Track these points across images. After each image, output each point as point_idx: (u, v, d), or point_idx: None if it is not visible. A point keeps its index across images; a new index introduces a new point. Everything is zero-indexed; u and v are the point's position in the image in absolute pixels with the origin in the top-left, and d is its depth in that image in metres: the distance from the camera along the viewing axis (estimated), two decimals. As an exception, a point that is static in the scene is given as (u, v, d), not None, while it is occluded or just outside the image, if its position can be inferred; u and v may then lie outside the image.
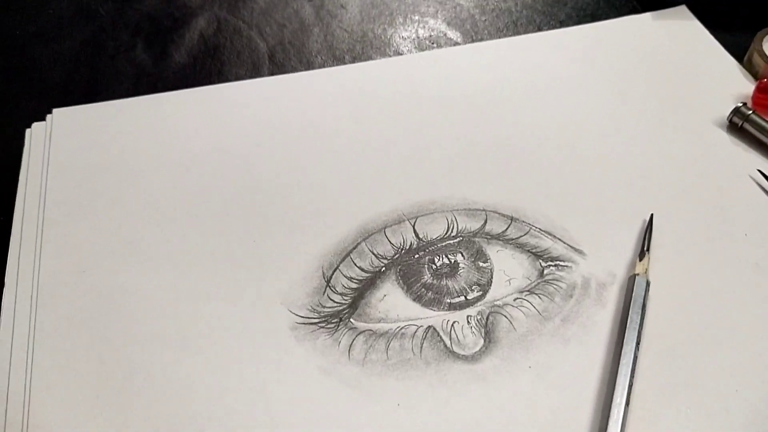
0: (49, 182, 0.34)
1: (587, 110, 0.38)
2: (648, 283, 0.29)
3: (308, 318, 0.29)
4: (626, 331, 0.28)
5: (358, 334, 0.28)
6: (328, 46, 0.42)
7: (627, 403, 0.26)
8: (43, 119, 0.37)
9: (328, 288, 0.30)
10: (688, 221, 0.33)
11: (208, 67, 0.41)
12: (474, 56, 0.41)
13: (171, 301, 0.29)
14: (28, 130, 0.37)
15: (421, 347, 0.28)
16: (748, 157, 0.36)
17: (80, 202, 0.33)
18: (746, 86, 0.40)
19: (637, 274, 0.30)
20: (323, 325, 0.29)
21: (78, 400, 0.26)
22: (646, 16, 0.44)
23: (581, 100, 0.39)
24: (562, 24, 0.45)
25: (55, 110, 0.37)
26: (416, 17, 0.45)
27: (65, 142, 0.36)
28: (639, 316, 0.28)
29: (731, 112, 0.37)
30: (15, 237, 0.32)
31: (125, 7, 0.44)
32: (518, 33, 0.44)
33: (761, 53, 0.40)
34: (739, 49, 0.42)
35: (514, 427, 0.26)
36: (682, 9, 0.45)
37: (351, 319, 0.29)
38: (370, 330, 0.29)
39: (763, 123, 0.36)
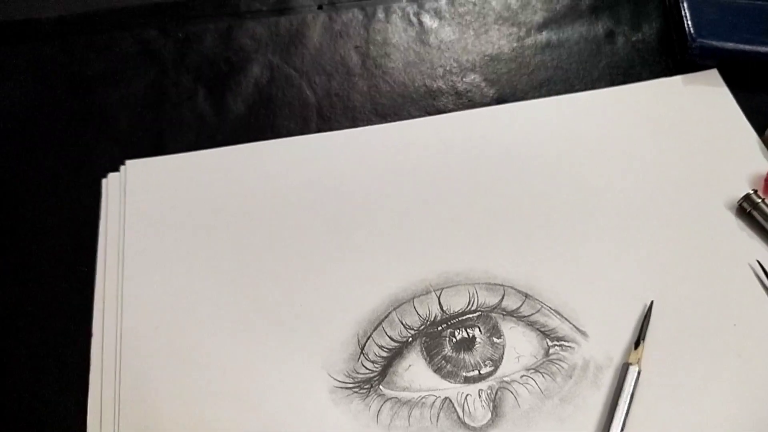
0: (126, 235, 0.39)
1: (607, 182, 0.42)
2: (639, 372, 0.34)
3: (344, 383, 0.34)
4: (614, 417, 0.33)
5: (386, 401, 0.34)
6: (371, 99, 0.46)
7: (606, 484, 0.31)
8: (116, 167, 0.42)
9: (362, 355, 0.35)
10: (686, 308, 0.37)
11: (262, 118, 0.45)
12: (504, 117, 0.44)
13: (229, 360, 0.35)
14: (104, 180, 0.42)
15: (438, 417, 0.33)
16: (752, 245, 0.39)
17: (153, 256, 0.39)
18: (764, 165, 0.42)
19: (630, 364, 0.34)
20: (357, 390, 0.34)
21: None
22: (677, 80, 0.46)
23: (602, 170, 0.42)
24: (595, 82, 0.47)
25: (128, 162, 0.42)
26: (456, 68, 0.47)
27: (138, 194, 0.41)
28: (627, 404, 0.33)
29: (742, 198, 0.40)
30: (99, 288, 0.38)
31: (185, 48, 0.48)
32: (551, 91, 0.46)
33: (781, 133, 0.42)
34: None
35: (510, 494, 0.31)
36: (713, 74, 0.47)
37: (380, 386, 0.34)
38: (396, 398, 0.34)
39: (770, 213, 0.39)
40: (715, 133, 0.44)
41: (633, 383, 0.33)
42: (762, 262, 0.38)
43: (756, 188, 0.41)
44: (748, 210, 0.40)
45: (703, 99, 0.46)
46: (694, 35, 0.46)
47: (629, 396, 0.33)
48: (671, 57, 0.48)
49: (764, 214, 0.39)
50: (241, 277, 0.38)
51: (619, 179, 0.42)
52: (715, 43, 0.46)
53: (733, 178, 0.42)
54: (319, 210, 0.40)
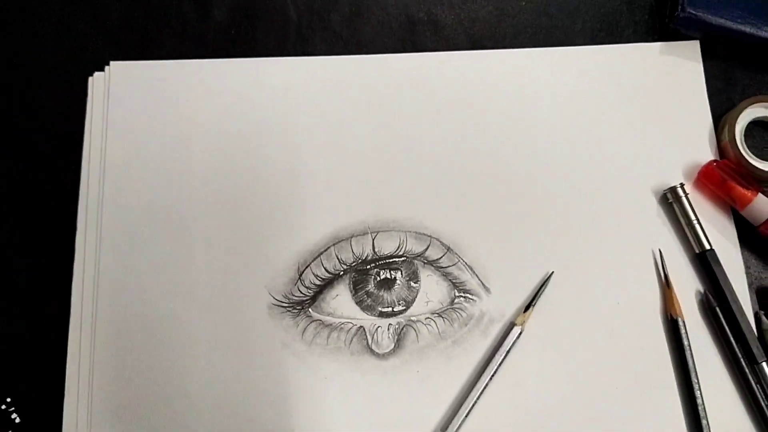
0: (109, 136, 0.44)
1: (549, 148, 0.44)
2: (521, 332, 0.41)
3: (281, 302, 0.42)
4: (489, 364, 0.41)
5: (312, 322, 0.42)
6: (350, 25, 0.46)
7: (467, 414, 0.40)
8: (104, 64, 0.45)
9: (299, 281, 0.42)
10: (581, 281, 0.42)
11: (243, 31, 0.46)
12: (467, 65, 0.46)
13: (191, 267, 0.42)
14: (90, 79, 0.45)
15: (351, 341, 0.41)
16: (663, 234, 0.43)
17: (133, 159, 0.44)
18: (707, 156, 0.44)
19: (515, 324, 0.41)
20: (290, 309, 0.42)
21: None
22: (654, 47, 0.46)
23: (549, 134, 0.45)
24: (578, 34, 0.47)
25: (112, 63, 0.45)
26: (438, 4, 0.47)
27: (121, 97, 0.45)
28: (502, 356, 0.41)
29: (668, 189, 0.43)
30: (83, 185, 0.43)
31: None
32: (531, 39, 0.46)
33: (731, 128, 0.44)
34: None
35: (400, 411, 0.40)
36: (694, 46, 0.46)
37: (310, 309, 0.42)
38: (321, 320, 0.42)
39: (689, 210, 0.43)
40: (673, 112, 0.45)
41: (513, 341, 0.41)
42: (663, 253, 0.43)
43: (689, 179, 0.44)
44: (669, 201, 0.43)
45: (673, 72, 0.46)
46: (685, 4, 0.45)
47: (506, 350, 0.41)
48: (660, 19, 0.47)
49: (683, 209, 0.43)
50: (208, 195, 0.43)
51: (561, 146, 0.44)
52: (702, 15, 0.45)
53: (671, 164, 0.44)
54: (281, 137, 0.44)
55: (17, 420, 0.41)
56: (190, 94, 0.45)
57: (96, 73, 0.45)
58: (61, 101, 0.45)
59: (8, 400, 0.41)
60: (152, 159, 0.44)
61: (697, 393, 0.40)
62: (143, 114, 0.45)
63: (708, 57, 0.46)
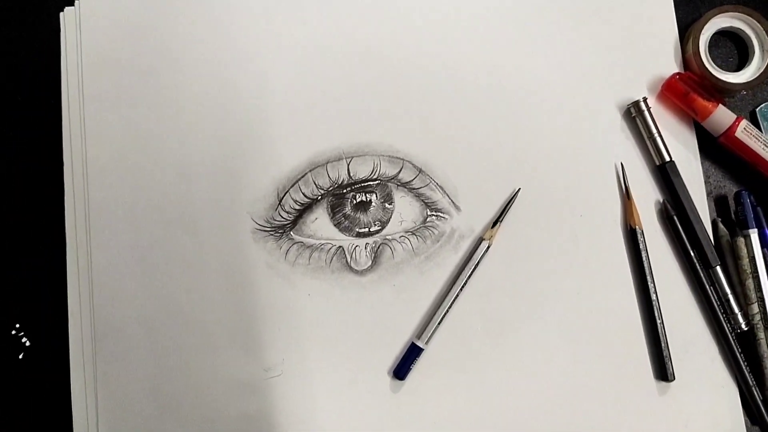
0: (84, 72, 0.45)
1: (513, 66, 0.45)
2: (488, 247, 0.44)
3: (263, 227, 0.44)
4: (458, 277, 0.43)
5: (294, 244, 0.44)
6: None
7: (440, 323, 0.43)
8: (72, 2, 0.46)
9: (279, 206, 0.44)
10: (547, 197, 0.45)
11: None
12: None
13: (171, 196, 0.44)
14: (61, 14, 0.45)
15: (331, 260, 0.44)
16: (625, 147, 0.45)
17: (110, 93, 0.45)
18: (672, 68, 0.45)
19: (483, 239, 0.44)
20: (272, 233, 0.44)
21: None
22: (624, -40, 0.46)
23: (512, 52, 0.45)
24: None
25: (81, -2, 0.45)
26: None
27: (93, 31, 0.45)
28: (471, 270, 0.43)
29: (631, 103, 0.44)
30: (65, 120, 0.45)
31: None
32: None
33: (695, 39, 0.44)
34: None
35: (379, 321, 0.44)
36: (663, -44, 0.46)
37: (291, 232, 0.44)
38: (302, 242, 0.44)
39: (651, 124, 0.44)
40: (638, 24, 0.46)
41: (481, 254, 0.43)
42: (625, 165, 0.45)
43: (653, 92, 0.45)
44: (633, 115, 0.45)
45: (642, -15, 0.46)
46: None
47: (475, 264, 0.43)
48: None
49: (645, 123, 0.44)
50: (187, 125, 0.45)
51: (524, 63, 0.45)
52: (672, -75, 0.44)
53: (636, 77, 0.45)
54: (256, 66, 0.45)
55: (27, 344, 0.44)
56: (162, 24, 0.45)
57: (66, 8, 0.46)
58: (33, 39, 0.46)
59: (17, 325, 0.44)
60: (129, 90, 0.45)
61: (653, 296, 0.43)
62: (116, 47, 0.45)
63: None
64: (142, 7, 0.46)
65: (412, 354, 0.43)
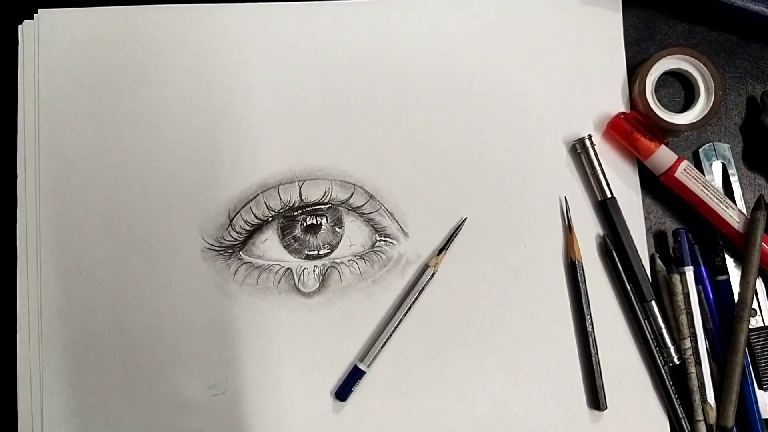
0: (41, 86, 0.45)
1: (464, 94, 0.46)
2: (433, 274, 0.45)
3: (213, 246, 0.45)
4: (404, 302, 0.45)
5: (242, 264, 0.45)
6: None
7: (383, 346, 0.44)
8: (31, 16, 0.46)
9: (230, 226, 0.45)
10: (493, 227, 0.46)
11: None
12: (389, 11, 0.47)
13: (125, 212, 0.45)
14: (20, 27, 0.46)
15: (279, 282, 0.45)
16: (569, 181, 0.46)
17: (65, 108, 0.45)
18: (618, 107, 0.47)
19: (429, 266, 0.45)
20: (222, 253, 0.45)
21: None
22: (577, -3, 0.47)
23: (464, 80, 0.46)
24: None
25: (40, 11, 0.46)
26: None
27: (51, 47, 0.46)
28: (416, 295, 0.44)
29: (576, 140, 0.46)
30: (20, 135, 0.45)
31: None
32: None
33: (642, 79, 0.46)
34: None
35: (324, 343, 0.45)
36: (615, -2, 0.47)
37: (241, 252, 0.45)
38: (251, 263, 0.45)
39: (595, 160, 0.45)
40: (589, 62, 0.47)
41: (426, 281, 0.45)
42: (568, 200, 0.46)
43: (599, 130, 0.46)
44: (578, 151, 0.46)
45: (591, 21, 0.47)
46: (606, -45, 0.45)
47: (420, 290, 0.44)
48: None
49: (589, 160, 0.46)
50: (141, 142, 0.45)
51: (477, 95, 0.46)
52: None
53: (584, 114, 0.47)
54: (210, 86, 0.46)
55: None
56: (121, 42, 0.46)
57: (25, 21, 0.46)
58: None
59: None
60: (85, 107, 0.45)
61: (589, 328, 0.44)
62: (74, 63, 0.46)
63: (628, 5, 0.48)
64: (101, 24, 0.46)
65: (354, 376, 0.44)
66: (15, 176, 0.45)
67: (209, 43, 0.46)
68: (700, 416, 0.44)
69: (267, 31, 0.46)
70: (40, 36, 0.46)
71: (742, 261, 0.44)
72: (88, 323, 0.44)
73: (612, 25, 0.47)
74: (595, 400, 0.44)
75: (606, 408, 0.44)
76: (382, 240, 0.46)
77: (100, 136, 0.45)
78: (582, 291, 0.45)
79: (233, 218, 0.45)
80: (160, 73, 0.46)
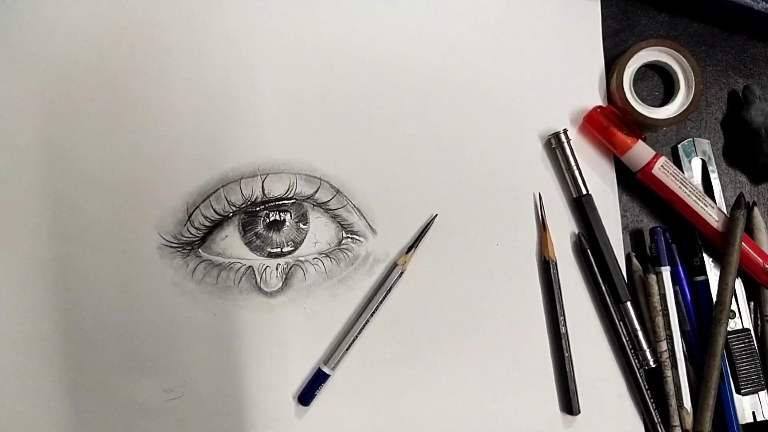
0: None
1: (437, 87, 0.44)
2: (402, 273, 0.43)
3: (170, 242, 0.43)
4: (369, 303, 0.43)
5: (201, 262, 0.43)
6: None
7: (348, 347, 0.42)
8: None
9: (188, 222, 0.43)
10: (464, 224, 0.44)
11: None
12: (362, 2, 0.44)
13: (71, 205, 0.43)
14: (-32, 10, 0.43)
15: (240, 280, 0.43)
16: (544, 177, 0.45)
17: (13, 97, 0.43)
18: (595, 100, 0.45)
19: (397, 264, 0.43)
20: (180, 249, 0.43)
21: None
22: (553, -15, 0.45)
23: (434, 73, 0.44)
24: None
25: (-12, -6, 0.43)
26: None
27: (4, 30, 0.43)
28: (383, 295, 0.43)
29: (551, 135, 0.44)
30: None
31: None
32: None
33: (619, 72, 0.44)
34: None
35: (287, 345, 0.43)
36: (592, -14, 0.45)
37: (199, 250, 0.43)
38: (210, 260, 0.43)
39: (570, 156, 0.44)
40: (565, 54, 0.45)
41: (394, 280, 0.43)
42: (543, 196, 0.44)
43: (575, 124, 0.45)
44: (553, 146, 0.44)
45: (568, 12, 0.45)
46: (583, -58, 0.43)
47: (387, 289, 0.43)
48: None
49: (564, 155, 0.44)
50: (94, 133, 0.43)
51: (449, 88, 0.44)
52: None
53: (560, 109, 0.45)
54: (169, 75, 0.44)
55: None
56: (76, 28, 0.43)
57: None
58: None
59: None
60: (39, 96, 0.43)
61: (563, 329, 0.43)
62: (28, 49, 0.43)
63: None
64: (56, 8, 0.43)
65: (317, 380, 0.42)
66: (-40, 168, 0.43)
67: (168, 30, 0.44)
68: (676, 421, 0.43)
69: (236, 21, 0.44)
70: (-13, 19, 0.43)
71: (721, 261, 0.43)
72: (37, 323, 0.42)
73: (589, 15, 0.46)
74: (568, 404, 0.43)
75: (579, 412, 0.43)
76: (348, 237, 0.44)
77: (52, 127, 0.43)
78: (556, 291, 0.43)
79: (192, 213, 0.43)
80: (115, 61, 0.43)
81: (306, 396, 0.42)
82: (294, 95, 0.44)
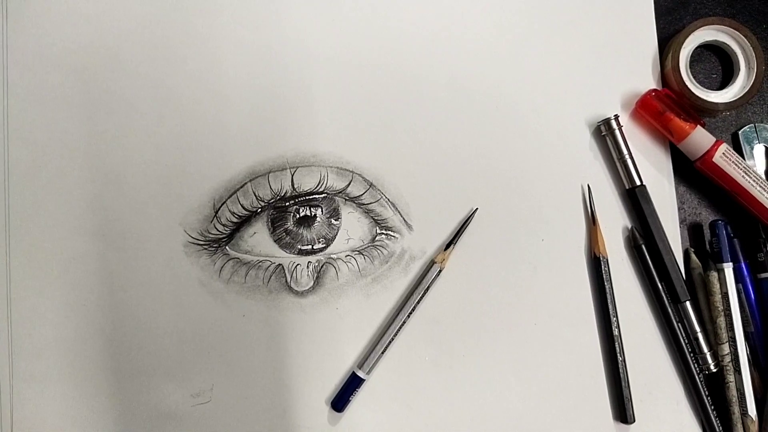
0: (10, 62, 0.41)
1: (477, 75, 0.42)
2: (440, 271, 0.40)
3: (197, 240, 0.41)
4: (407, 301, 0.40)
5: (229, 260, 0.41)
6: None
7: (384, 351, 0.40)
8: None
9: (215, 218, 0.41)
10: (506, 219, 0.41)
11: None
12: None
13: (95, 201, 0.41)
14: (-13, 0, 0.42)
15: (270, 279, 0.41)
16: (593, 168, 0.41)
17: (36, 90, 0.41)
18: (649, 84, 0.42)
19: (435, 262, 0.40)
20: (206, 247, 0.41)
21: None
22: (602, -37, 0.42)
23: (479, 60, 0.42)
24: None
25: (7, -17, 0.41)
26: None
27: (20, 18, 0.41)
28: (420, 295, 0.40)
29: (601, 120, 0.41)
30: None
31: None
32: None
33: (675, 53, 0.41)
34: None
35: (318, 347, 0.40)
36: (644, -39, 0.42)
37: (227, 247, 0.41)
38: (238, 258, 0.41)
39: (622, 144, 0.40)
40: (616, 35, 0.42)
41: (432, 279, 0.40)
42: (592, 188, 0.41)
43: (627, 110, 0.42)
44: (603, 133, 0.41)
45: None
46: None
47: (425, 288, 0.40)
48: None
49: (616, 143, 0.41)
50: (117, 126, 0.41)
51: (488, 73, 0.42)
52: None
53: (610, 93, 0.42)
54: (197, 66, 0.41)
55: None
56: (97, 20, 0.42)
57: (-8, -6, 0.42)
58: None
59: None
60: (58, 90, 0.41)
61: (615, 331, 0.40)
62: (46, 41, 0.41)
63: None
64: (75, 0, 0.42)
65: (352, 384, 0.40)
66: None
67: (195, 21, 0.42)
68: (739, 430, 0.39)
69: (261, 10, 0.42)
70: (8, 12, 0.41)
71: (789, 257, 0.39)
72: (60, 326, 0.40)
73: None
74: (623, 412, 0.40)
75: (634, 421, 0.40)
76: (383, 233, 0.41)
77: (74, 121, 0.41)
78: (607, 290, 0.40)
79: (219, 209, 0.41)
80: (137, 51, 0.41)
81: (340, 402, 0.40)
82: (325, 85, 0.41)
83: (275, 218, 0.41)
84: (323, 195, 0.41)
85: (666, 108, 0.40)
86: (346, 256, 0.41)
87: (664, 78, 0.42)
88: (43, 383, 0.40)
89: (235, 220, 0.41)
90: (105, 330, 0.40)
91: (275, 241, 0.41)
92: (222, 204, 0.41)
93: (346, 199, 0.41)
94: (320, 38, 0.42)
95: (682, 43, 0.41)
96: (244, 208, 0.41)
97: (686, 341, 0.40)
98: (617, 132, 0.40)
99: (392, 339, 0.40)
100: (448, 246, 0.40)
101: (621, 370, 0.40)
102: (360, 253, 0.41)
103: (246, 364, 0.40)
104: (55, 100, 0.41)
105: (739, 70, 0.41)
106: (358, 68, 0.41)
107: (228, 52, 0.41)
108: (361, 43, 0.42)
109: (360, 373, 0.39)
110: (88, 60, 0.41)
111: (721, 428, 0.39)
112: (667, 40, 0.42)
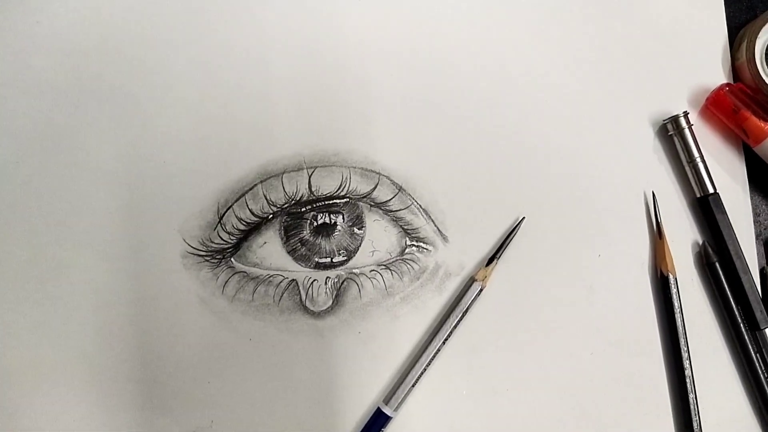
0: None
1: (525, 70, 0.37)
2: (481, 290, 0.34)
3: (197, 250, 0.35)
4: (442, 327, 0.34)
5: (234, 274, 0.35)
6: None
7: (415, 383, 0.34)
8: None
9: (219, 225, 0.35)
10: (555, 231, 0.36)
11: None
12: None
13: (75, 203, 0.35)
14: (-39, -29, 0.36)
15: (282, 297, 0.35)
16: (657, 173, 0.36)
17: (15, 80, 0.36)
18: (719, 79, 0.36)
19: (476, 279, 0.35)
20: (208, 259, 0.35)
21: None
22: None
23: (526, 54, 0.37)
24: None
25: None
26: None
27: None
28: (457, 317, 0.34)
29: (668, 119, 0.36)
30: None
31: None
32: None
33: (750, 44, 0.35)
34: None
35: (337, 378, 0.35)
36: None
37: (232, 259, 0.35)
38: (245, 272, 0.35)
39: (692, 145, 0.35)
40: (680, 24, 0.37)
41: (471, 299, 0.34)
42: (657, 196, 0.36)
43: (695, 108, 0.36)
44: (670, 133, 0.36)
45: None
46: None
47: (464, 310, 0.34)
48: None
49: (685, 144, 0.35)
50: (105, 116, 0.36)
51: (536, 65, 0.37)
52: None
53: (674, 89, 0.37)
54: (201, 51, 0.36)
55: None
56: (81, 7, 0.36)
57: (-33, -36, 0.36)
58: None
59: None
60: (42, 77, 0.36)
61: (686, 363, 0.34)
62: (29, 21, 0.36)
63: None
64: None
65: (377, 423, 0.34)
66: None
67: (207, 8, 0.36)
68: (828, 481, 0.33)
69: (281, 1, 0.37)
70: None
71: None
72: (36, 347, 0.34)
73: (710, -25, 0.37)
74: (694, 458, 0.34)
75: (707, 468, 0.34)
76: (413, 245, 0.35)
77: (58, 112, 0.35)
78: (676, 314, 0.34)
79: (224, 215, 0.35)
80: (133, 34, 0.36)
81: (362, 443, 0.34)
82: (348, 74, 0.36)
83: (289, 226, 0.35)
84: (345, 200, 0.35)
85: (741, 105, 0.35)
86: (371, 271, 0.35)
87: (735, 71, 0.37)
88: (15, 415, 0.34)
89: (242, 227, 0.35)
90: (87, 354, 0.34)
91: (288, 253, 0.35)
92: (228, 208, 0.35)
93: (371, 205, 0.35)
94: (342, 23, 0.36)
95: (758, 33, 0.36)
96: (253, 213, 0.35)
97: (766, 375, 0.34)
98: (687, 131, 0.35)
99: (424, 370, 0.34)
100: (490, 261, 0.35)
101: (693, 410, 0.34)
102: (387, 267, 0.35)
103: (251, 397, 0.34)
104: (38, 86, 0.36)
105: (821, 64, 0.36)
106: (387, 54, 0.36)
107: (235, 34, 0.36)
108: (390, 26, 0.36)
109: (386, 410, 0.34)
110: (77, 42, 0.36)
111: (807, 478, 0.34)
112: (738, 29, 0.37)
